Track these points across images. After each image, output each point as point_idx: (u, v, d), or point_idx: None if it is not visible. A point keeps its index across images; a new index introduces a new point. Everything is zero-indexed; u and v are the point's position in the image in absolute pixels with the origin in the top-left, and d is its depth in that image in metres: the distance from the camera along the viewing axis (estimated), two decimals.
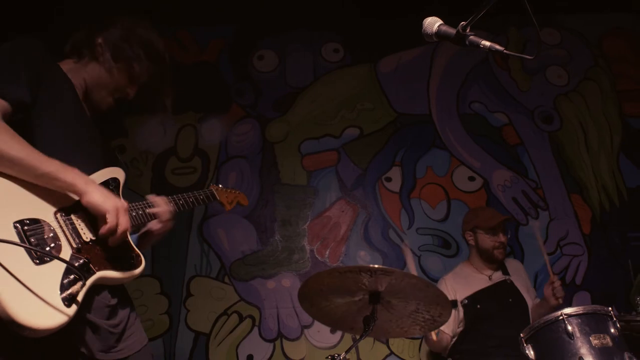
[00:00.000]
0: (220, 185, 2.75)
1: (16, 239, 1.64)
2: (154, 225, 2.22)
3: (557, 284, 3.52)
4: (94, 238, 1.86)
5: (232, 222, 4.53)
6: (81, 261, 1.75)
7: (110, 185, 2.04)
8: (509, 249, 4.49)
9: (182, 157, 4.75)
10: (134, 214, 2.10)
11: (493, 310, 3.55)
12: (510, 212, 4.63)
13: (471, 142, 4.85)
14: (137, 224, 2.16)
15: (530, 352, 2.62)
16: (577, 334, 2.49)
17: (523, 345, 2.65)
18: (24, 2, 4.39)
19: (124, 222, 1.86)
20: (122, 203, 1.89)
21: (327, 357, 2.64)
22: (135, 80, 2.14)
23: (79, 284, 1.71)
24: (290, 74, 5.00)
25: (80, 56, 2.11)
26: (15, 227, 1.67)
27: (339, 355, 2.66)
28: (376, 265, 2.54)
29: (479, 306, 3.56)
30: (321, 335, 4.29)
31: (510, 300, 3.62)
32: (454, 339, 3.62)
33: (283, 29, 5.05)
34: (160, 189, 4.60)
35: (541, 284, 4.45)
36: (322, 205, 4.63)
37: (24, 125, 1.81)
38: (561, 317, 2.55)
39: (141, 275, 1.98)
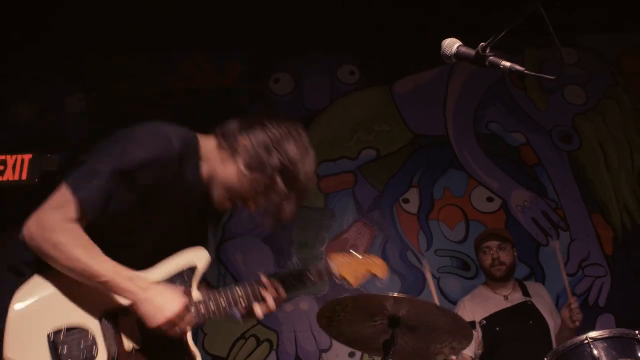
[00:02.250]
0: (342, 253, 2.29)
1: (46, 351, 1.63)
2: (256, 309, 2.01)
3: (575, 306, 3.44)
4: (137, 347, 1.80)
5: (249, 244, 4.53)
6: None
7: (182, 277, 1.92)
8: (529, 270, 4.43)
9: None
10: (212, 307, 1.95)
11: (513, 332, 3.47)
12: (530, 233, 4.57)
13: (489, 163, 4.81)
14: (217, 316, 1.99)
15: None
16: (604, 359, 2.43)
17: None
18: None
19: (179, 330, 1.82)
20: (177, 309, 1.78)
21: None
22: (262, 198, 1.88)
23: None
24: (306, 97, 5.02)
25: (223, 145, 1.89)
26: (49, 337, 1.66)
27: None
28: (395, 294, 2.51)
29: (497, 328, 3.48)
30: (339, 359, 4.24)
31: (531, 322, 3.53)
32: None
33: (299, 52, 5.09)
34: None
35: (562, 306, 4.37)
36: (339, 228, 4.61)
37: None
38: (586, 341, 2.48)
39: None
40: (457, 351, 2.68)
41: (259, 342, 4.30)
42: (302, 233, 4.58)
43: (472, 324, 3.48)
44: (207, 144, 1.91)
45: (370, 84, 5.06)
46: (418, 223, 4.61)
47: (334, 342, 4.22)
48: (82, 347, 1.69)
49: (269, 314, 2.04)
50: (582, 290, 4.45)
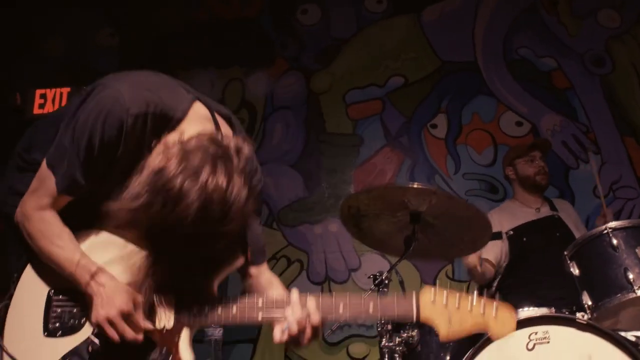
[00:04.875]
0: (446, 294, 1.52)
1: (42, 307, 1.67)
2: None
3: (610, 217, 3.43)
4: None
5: (280, 170, 4.63)
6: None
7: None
8: (558, 193, 4.42)
9: (229, 109, 4.86)
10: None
11: (539, 243, 3.49)
12: (560, 157, 4.55)
13: (518, 88, 4.77)
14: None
15: (575, 269, 2.59)
16: (622, 247, 2.45)
17: (567, 262, 2.62)
18: None
19: (120, 332, 1.57)
20: (119, 308, 1.57)
21: (369, 276, 2.69)
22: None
23: None
24: (333, 26, 5.04)
25: None
26: (48, 296, 1.69)
27: (380, 274, 2.71)
28: (415, 184, 2.57)
29: (525, 239, 3.51)
30: (368, 278, 4.33)
31: (558, 234, 3.55)
32: (500, 275, 3.59)
33: None
34: None
35: (592, 227, 4.36)
36: (368, 153, 4.67)
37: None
38: (606, 231, 2.51)
39: None
40: (477, 247, 2.73)
41: (289, 263, 4.43)
42: (331, 159, 4.66)
43: (499, 234, 3.50)
44: (196, 114, 1.68)
45: (397, 12, 5.03)
46: (446, 147, 4.63)
47: (363, 262, 4.34)
48: (74, 311, 1.69)
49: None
50: (613, 212, 4.41)
